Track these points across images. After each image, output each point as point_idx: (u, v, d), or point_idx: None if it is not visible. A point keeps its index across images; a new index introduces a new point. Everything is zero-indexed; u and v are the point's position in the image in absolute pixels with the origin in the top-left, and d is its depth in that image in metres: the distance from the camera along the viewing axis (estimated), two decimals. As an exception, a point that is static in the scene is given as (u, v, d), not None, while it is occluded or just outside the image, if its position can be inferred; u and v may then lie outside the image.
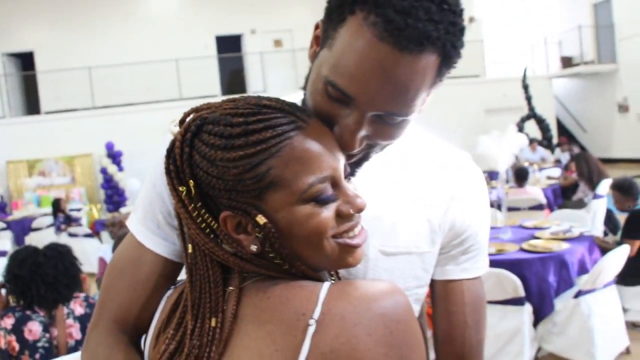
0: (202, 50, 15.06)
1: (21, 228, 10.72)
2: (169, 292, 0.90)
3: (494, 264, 3.49)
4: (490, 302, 3.35)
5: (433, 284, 1.04)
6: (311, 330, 0.66)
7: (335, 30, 0.77)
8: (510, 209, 6.25)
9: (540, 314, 3.57)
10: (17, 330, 2.49)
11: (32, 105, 15.73)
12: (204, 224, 0.76)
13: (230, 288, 0.77)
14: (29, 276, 2.59)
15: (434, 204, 0.98)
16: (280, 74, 15.30)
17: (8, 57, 15.45)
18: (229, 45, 15.71)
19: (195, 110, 0.79)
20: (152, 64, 14.02)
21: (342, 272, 0.93)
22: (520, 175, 6.61)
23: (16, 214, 12.35)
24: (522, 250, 3.76)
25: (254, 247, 0.75)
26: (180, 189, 0.74)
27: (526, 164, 8.62)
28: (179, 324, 0.79)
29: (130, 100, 13.99)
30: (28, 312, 2.53)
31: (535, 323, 3.58)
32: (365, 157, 0.88)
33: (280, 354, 0.67)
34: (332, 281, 0.81)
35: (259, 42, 15.62)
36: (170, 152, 0.76)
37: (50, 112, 14.60)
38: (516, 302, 3.38)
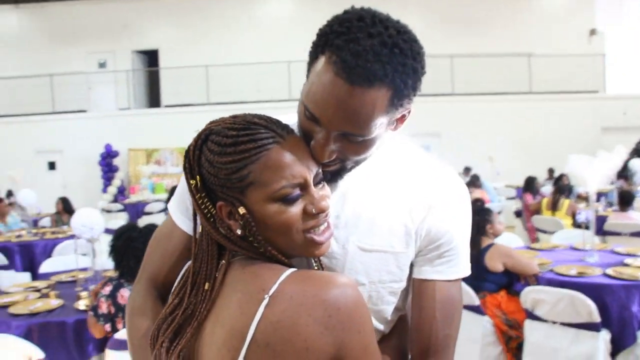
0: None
1: (135, 211, 11.57)
2: (189, 263, 1.08)
3: (571, 285, 3.45)
4: (564, 324, 3.32)
5: (412, 280, 1.16)
6: (264, 302, 0.84)
7: (312, 65, 0.97)
8: (608, 233, 5.96)
9: (621, 344, 3.40)
10: (113, 296, 2.93)
11: (154, 98, 16.79)
12: (206, 210, 0.96)
13: (222, 262, 0.96)
14: (123, 248, 2.99)
15: (413, 211, 1.10)
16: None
17: (136, 53, 16.62)
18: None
19: (211, 122, 0.98)
20: (264, 64, 14.57)
21: (324, 260, 1.10)
22: (625, 199, 6.25)
23: (132, 198, 13.31)
24: (606, 275, 3.60)
25: (239, 231, 0.94)
26: (192, 182, 0.96)
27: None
28: (182, 286, 1.01)
29: (242, 99, 14.58)
30: (122, 281, 2.94)
31: (615, 353, 3.42)
32: (343, 168, 1.06)
33: (243, 317, 0.85)
34: (314, 268, 1.05)
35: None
36: (187, 152, 0.96)
37: (169, 105, 15.53)
38: (591, 327, 3.24)
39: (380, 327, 1.17)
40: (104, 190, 14.72)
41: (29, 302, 3.40)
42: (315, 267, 1.07)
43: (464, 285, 3.50)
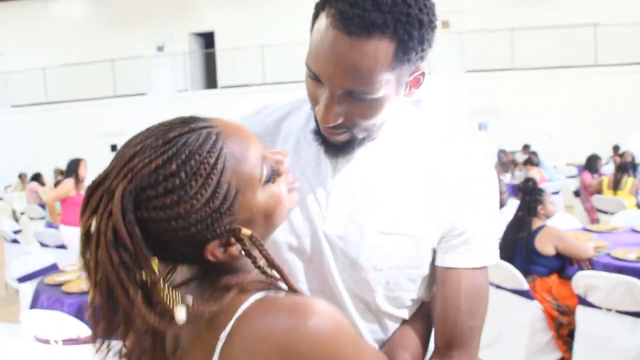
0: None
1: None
2: None
3: (629, 271, 3.29)
4: (620, 312, 3.12)
5: (435, 269, 1.10)
6: (220, 344, 0.72)
7: (313, 25, 0.93)
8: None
9: (684, 334, 3.20)
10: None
11: (211, 80, 17.00)
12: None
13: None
14: None
15: (434, 194, 1.05)
16: (447, 57, 14.90)
17: (193, 36, 16.83)
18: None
19: (101, 193, 0.72)
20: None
21: (339, 243, 1.05)
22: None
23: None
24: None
25: (237, 252, 0.78)
26: (144, 275, 0.70)
27: None
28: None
29: (297, 78, 14.49)
30: None
31: (677, 343, 3.22)
32: (353, 139, 1.01)
33: (203, 353, 0.75)
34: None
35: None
36: (113, 246, 0.68)
37: (225, 86, 15.69)
38: (649, 315, 3.05)
39: (399, 313, 1.12)
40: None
41: (82, 280, 3.47)
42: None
43: (511, 268, 3.43)
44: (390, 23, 0.84)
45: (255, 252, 0.78)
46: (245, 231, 0.75)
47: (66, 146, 13.53)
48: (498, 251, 1.11)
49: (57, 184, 8.07)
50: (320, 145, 1.05)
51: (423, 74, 0.97)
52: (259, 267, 0.79)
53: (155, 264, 0.70)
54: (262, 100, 1.23)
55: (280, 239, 1.12)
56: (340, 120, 0.95)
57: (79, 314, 3.03)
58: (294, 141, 1.12)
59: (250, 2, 16.09)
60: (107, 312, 0.71)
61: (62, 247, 5.74)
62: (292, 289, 0.82)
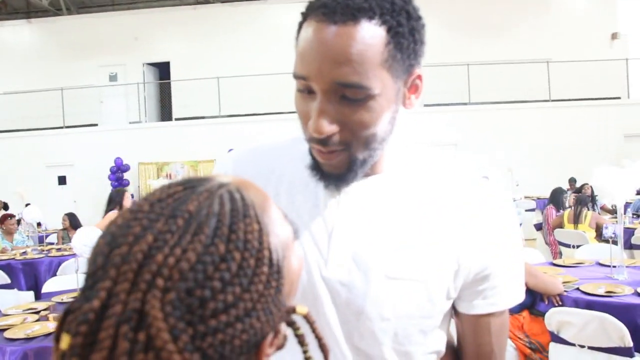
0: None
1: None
2: None
3: (600, 306, 3.14)
4: (593, 348, 3.04)
5: (460, 315, 1.05)
6: None
7: (297, 41, 0.88)
8: (636, 247, 5.63)
9: (658, 370, 3.10)
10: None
11: (165, 112, 16.79)
12: None
13: None
14: None
15: (450, 236, 0.96)
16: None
17: (147, 66, 16.65)
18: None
19: (113, 327, 0.46)
20: (277, 75, 14.37)
21: (343, 291, 0.94)
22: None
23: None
24: (638, 294, 3.28)
25: (283, 342, 0.59)
26: None
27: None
28: None
29: (254, 111, 14.43)
30: None
31: (651, 380, 3.11)
32: (353, 161, 0.90)
33: None
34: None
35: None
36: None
37: (180, 118, 15.45)
38: (623, 352, 2.92)
39: None
40: (115, 205, 14.69)
41: (26, 325, 3.29)
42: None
43: None
44: (376, 9, 0.81)
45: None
46: (301, 309, 0.60)
47: (12, 177, 13.13)
48: (524, 287, 1.06)
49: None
50: (318, 180, 0.94)
51: (420, 78, 0.90)
52: (308, 358, 0.62)
53: None
54: (255, 143, 1.17)
55: None
56: (335, 129, 0.85)
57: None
58: (288, 183, 1.04)
59: (205, 33, 16.09)
60: None
61: (6, 287, 5.46)
62: None
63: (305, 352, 0.62)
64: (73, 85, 15.61)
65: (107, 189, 14.69)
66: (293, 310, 0.59)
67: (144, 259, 0.48)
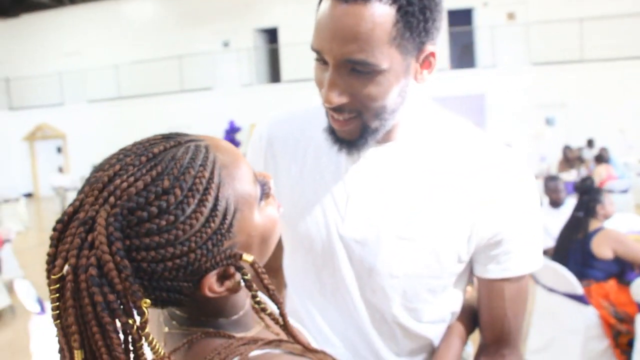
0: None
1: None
2: None
3: None
4: None
5: (477, 278, 1.09)
6: None
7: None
8: None
9: None
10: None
11: (275, 74, 17.20)
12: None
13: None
14: None
15: (463, 202, 0.99)
16: (512, 49, 14.54)
17: (258, 31, 17.10)
18: (459, 19, 15.37)
19: (65, 227, 0.59)
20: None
21: (356, 247, 1.02)
22: None
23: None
24: None
25: (236, 285, 0.68)
26: (131, 321, 0.57)
27: None
28: None
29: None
30: None
31: None
32: (364, 128, 0.95)
33: None
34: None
35: (491, 15, 14.97)
36: (97, 285, 0.55)
37: (289, 80, 15.86)
38: None
39: (417, 328, 1.08)
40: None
41: None
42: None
43: (564, 271, 3.33)
44: None
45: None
46: (247, 256, 0.65)
47: (138, 139, 13.98)
48: (541, 256, 1.07)
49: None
50: (334, 143, 0.99)
51: (433, 55, 0.92)
52: (257, 303, 0.68)
53: (146, 306, 0.57)
54: (290, 108, 1.22)
55: (294, 242, 1.13)
56: (345, 100, 0.90)
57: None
58: (315, 145, 1.10)
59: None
60: None
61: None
62: (292, 336, 0.72)
63: (254, 297, 0.67)
64: (189, 52, 16.40)
65: (222, 150, 15.53)
66: (239, 257, 0.64)
67: (108, 182, 0.60)
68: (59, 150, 18.43)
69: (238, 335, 0.71)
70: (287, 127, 1.16)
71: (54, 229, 0.59)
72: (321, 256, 1.07)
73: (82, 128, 17.39)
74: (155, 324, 0.78)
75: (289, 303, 1.20)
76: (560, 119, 13.70)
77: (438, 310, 1.09)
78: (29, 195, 17.77)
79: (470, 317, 1.15)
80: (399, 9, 0.84)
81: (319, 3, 0.90)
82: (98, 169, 0.63)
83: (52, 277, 0.56)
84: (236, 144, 15.35)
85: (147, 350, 0.58)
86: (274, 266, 1.25)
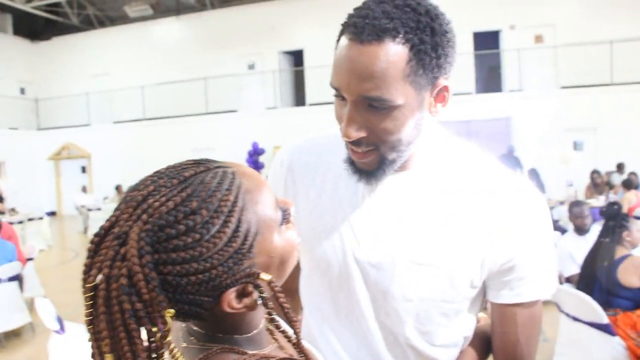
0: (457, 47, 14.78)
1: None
2: None
3: None
4: None
5: (490, 303, 1.11)
6: None
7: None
8: None
9: None
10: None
11: (299, 97, 17.28)
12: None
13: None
14: None
15: (480, 229, 1.03)
16: (539, 72, 14.37)
17: (282, 54, 17.23)
18: (486, 42, 15.27)
19: (101, 240, 0.67)
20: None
21: (372, 271, 1.06)
22: None
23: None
24: None
25: (253, 303, 0.73)
26: (155, 330, 0.63)
27: None
28: None
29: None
30: None
31: None
32: (382, 161, 1.00)
33: None
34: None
35: (518, 37, 14.84)
36: (126, 294, 0.62)
37: (313, 104, 15.89)
38: None
39: (430, 351, 1.10)
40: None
41: None
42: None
43: (589, 299, 3.20)
44: (400, 28, 0.88)
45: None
46: (265, 276, 0.70)
47: (162, 160, 14.07)
48: (555, 282, 1.10)
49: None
50: (353, 173, 1.04)
51: (447, 89, 0.97)
52: (272, 320, 0.74)
53: (170, 316, 0.63)
54: (311, 134, 1.28)
55: (311, 265, 1.17)
56: (362, 134, 0.95)
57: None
58: (334, 171, 1.14)
59: (338, 20, 16.16)
60: None
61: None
62: (304, 355, 0.76)
63: (269, 313, 0.73)
64: (215, 74, 16.58)
65: (245, 171, 15.57)
66: (257, 275, 0.70)
67: (142, 201, 0.67)
68: (84, 170, 18.65)
69: (251, 352, 0.74)
70: (307, 154, 1.21)
71: (91, 242, 0.66)
72: (337, 279, 1.11)
73: (107, 148, 17.59)
74: (174, 339, 0.79)
75: (305, 325, 1.23)
76: (588, 143, 13.46)
77: (451, 334, 1.10)
78: (52, 214, 17.96)
79: (483, 344, 1.17)
80: (411, 48, 0.88)
81: (337, 40, 0.95)
82: (134, 188, 0.70)
83: (87, 285, 0.63)
84: (259, 166, 15.38)
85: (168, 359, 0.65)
86: (292, 288, 1.27)
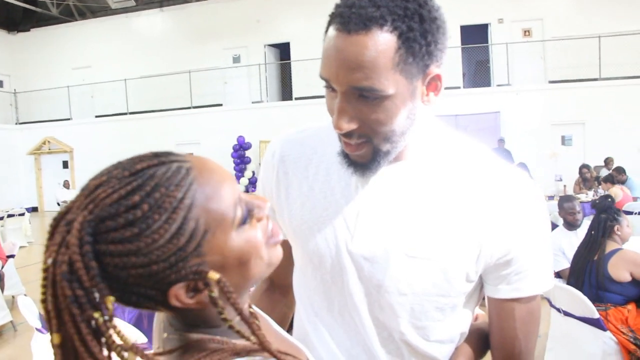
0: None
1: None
2: None
3: None
4: None
5: (487, 298, 1.09)
6: None
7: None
8: None
9: None
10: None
11: (286, 91, 17.16)
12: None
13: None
14: None
15: (477, 223, 1.00)
16: (528, 66, 14.37)
17: (268, 47, 17.08)
18: (474, 35, 15.21)
19: (57, 224, 0.67)
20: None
21: (365, 265, 1.03)
22: None
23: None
24: None
25: (207, 300, 0.71)
26: (96, 315, 0.63)
27: None
28: None
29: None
30: None
31: None
32: (376, 152, 0.97)
33: None
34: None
35: (506, 31, 14.82)
36: (67, 280, 0.62)
37: (300, 97, 15.79)
38: None
39: (425, 347, 1.08)
40: (237, 181, 15.32)
41: None
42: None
43: (579, 294, 3.19)
44: (387, 16, 0.86)
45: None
46: (213, 274, 0.69)
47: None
48: (552, 276, 1.08)
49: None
50: (348, 166, 1.02)
51: (439, 77, 0.94)
52: (224, 319, 0.71)
53: (110, 302, 0.64)
54: (302, 126, 1.25)
55: (304, 259, 1.15)
56: (354, 126, 0.93)
57: (139, 322, 3.08)
58: (327, 163, 1.13)
59: (324, 13, 16.04)
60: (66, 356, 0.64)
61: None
62: (266, 349, 0.74)
63: (220, 313, 0.70)
64: (199, 67, 16.39)
65: (229, 166, 15.41)
66: (205, 273, 0.68)
67: (93, 190, 0.66)
68: (65, 165, 18.35)
69: (236, 341, 0.75)
70: (298, 145, 1.19)
71: (50, 225, 0.66)
72: (330, 272, 1.09)
73: (89, 143, 17.29)
74: (157, 330, 0.83)
75: (297, 320, 1.22)
76: (577, 138, 13.52)
77: (446, 329, 1.09)
78: (33, 210, 17.66)
79: (479, 340, 1.15)
80: (400, 36, 0.86)
81: (325, 32, 0.93)
82: (94, 177, 0.69)
83: (42, 266, 0.64)
84: (245, 161, 15.24)
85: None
86: (285, 284, 1.29)
